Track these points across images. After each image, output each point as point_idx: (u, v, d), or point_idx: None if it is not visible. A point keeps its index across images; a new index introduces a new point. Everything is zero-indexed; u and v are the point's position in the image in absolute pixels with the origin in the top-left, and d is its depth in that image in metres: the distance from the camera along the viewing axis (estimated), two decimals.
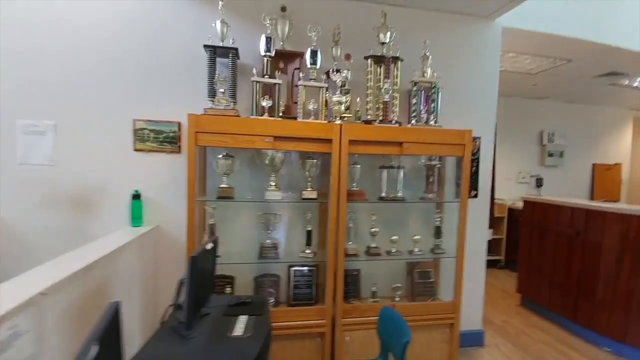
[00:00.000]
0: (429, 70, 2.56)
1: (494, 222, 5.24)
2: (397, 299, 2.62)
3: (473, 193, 2.90)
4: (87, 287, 1.53)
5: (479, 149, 2.88)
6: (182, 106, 2.38)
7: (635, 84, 4.62)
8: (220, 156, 2.31)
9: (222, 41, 2.26)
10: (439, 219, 2.66)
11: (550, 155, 5.69)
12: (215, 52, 2.27)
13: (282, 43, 2.45)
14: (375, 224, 2.58)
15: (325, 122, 2.32)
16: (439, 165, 2.66)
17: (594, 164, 6.02)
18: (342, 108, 2.31)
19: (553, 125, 5.71)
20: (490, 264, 5.24)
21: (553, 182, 5.68)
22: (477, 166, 2.90)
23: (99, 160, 2.38)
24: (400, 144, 2.35)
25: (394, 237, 2.60)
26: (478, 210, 2.93)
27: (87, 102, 2.34)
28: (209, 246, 1.68)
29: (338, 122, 2.30)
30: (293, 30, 2.44)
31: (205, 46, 2.24)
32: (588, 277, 3.09)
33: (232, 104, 2.28)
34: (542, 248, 3.61)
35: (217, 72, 2.27)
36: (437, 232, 2.67)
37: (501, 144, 5.58)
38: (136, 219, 2.37)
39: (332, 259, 2.32)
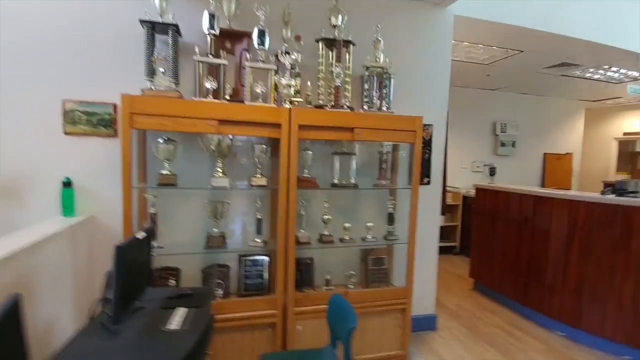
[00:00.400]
0: (381, 56, 2.53)
1: (448, 210, 5.40)
2: (350, 286, 2.60)
3: (425, 180, 2.93)
4: (3, 280, 1.36)
5: (431, 137, 2.90)
6: (118, 86, 2.18)
7: (588, 75, 4.83)
8: (161, 140, 2.16)
9: (161, 17, 2.11)
10: (392, 206, 2.66)
11: (503, 145, 5.92)
12: (153, 28, 2.10)
13: (228, 22, 2.32)
14: (328, 211, 2.53)
15: (275, 106, 2.22)
16: (391, 152, 2.65)
17: (545, 154, 6.34)
18: (292, 92, 2.23)
19: (506, 115, 5.94)
20: (446, 250, 5.43)
21: (506, 171, 5.92)
22: (430, 153, 2.92)
23: (25, 144, 2.15)
24: (352, 129, 2.30)
25: (347, 224, 2.57)
26: (430, 197, 2.96)
27: (10, 80, 2.10)
28: (141, 235, 1.56)
29: (287, 106, 2.21)
30: (240, 8, 2.31)
31: (142, 21, 2.07)
32: (537, 262, 3.23)
33: (173, 84, 2.13)
34: (493, 234, 3.74)
35: (155, 50, 2.12)
36: (390, 219, 2.67)
37: (457, 134, 5.74)
38: (67, 208, 2.17)
39: (282, 247, 2.25)
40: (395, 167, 2.73)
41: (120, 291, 1.37)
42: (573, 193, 3.11)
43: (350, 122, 2.30)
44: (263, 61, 2.25)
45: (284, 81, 2.20)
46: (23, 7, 2.09)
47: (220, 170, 2.28)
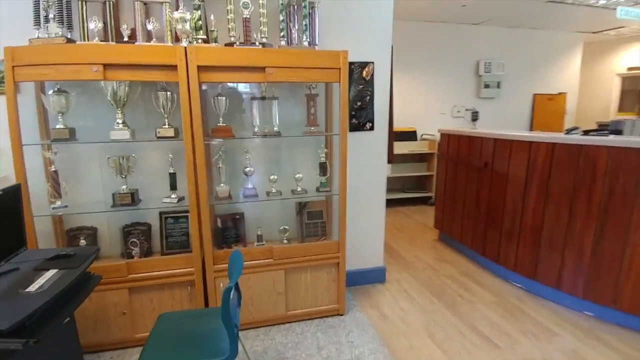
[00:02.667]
0: None
1: (405, 159, 5.18)
2: (285, 241, 2.48)
3: (367, 125, 2.67)
4: None
5: (372, 76, 2.60)
6: (16, 39, 1.95)
7: (588, 3, 4.24)
8: (51, 92, 1.95)
9: None
10: (324, 155, 2.45)
11: (487, 86, 5.47)
12: None
13: None
14: (251, 163, 2.34)
15: (168, 45, 1.96)
16: (322, 95, 2.39)
17: (534, 95, 5.87)
18: (187, 27, 1.94)
19: (490, 53, 5.42)
20: (421, 201, 5.25)
21: (490, 115, 5.54)
22: (371, 95, 2.64)
23: None
24: (264, 69, 2.04)
25: (273, 177, 2.38)
26: (374, 144, 2.72)
27: None
28: None
29: (184, 44, 1.95)
30: None
31: None
32: (495, 209, 3.03)
33: (60, 30, 1.88)
34: (455, 182, 3.52)
35: None
36: (323, 169, 2.46)
37: (434, 76, 5.35)
38: None
39: (193, 203, 2.09)
40: (329, 111, 2.47)
41: None
42: (534, 134, 2.81)
43: (261, 61, 2.03)
44: None
45: (176, 14, 1.91)
46: None
47: (121, 122, 2.08)
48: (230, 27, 2.12)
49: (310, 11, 2.24)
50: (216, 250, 2.23)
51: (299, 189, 2.43)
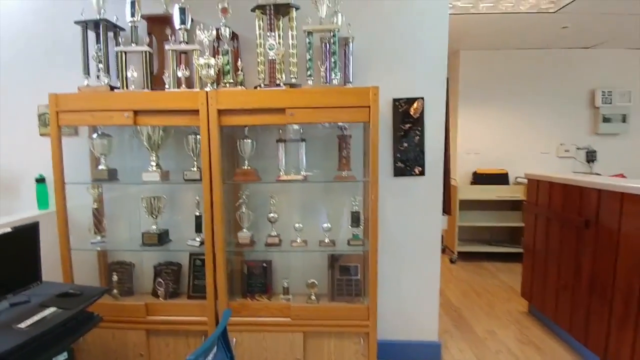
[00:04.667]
0: (338, 18, 2.04)
1: (493, 205, 4.34)
2: (312, 297, 2.20)
3: (417, 170, 2.29)
4: None
5: (422, 114, 2.25)
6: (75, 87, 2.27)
7: None
8: (95, 136, 2.15)
9: (99, 14, 2.08)
10: (357, 203, 2.15)
11: (607, 120, 4.36)
12: (87, 26, 2.10)
13: (165, 6, 2.18)
14: (276, 209, 2.18)
15: (191, 90, 1.99)
16: (350, 135, 2.14)
17: None
18: (212, 72, 1.95)
19: (610, 81, 4.35)
20: (513, 258, 4.32)
21: (613, 156, 4.37)
22: (421, 135, 2.27)
23: (13, 146, 2.44)
24: (284, 110, 1.91)
25: (298, 225, 2.17)
26: (426, 192, 2.31)
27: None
28: (2, 231, 1.53)
29: (209, 89, 1.95)
30: None
31: (76, 22, 2.07)
32: (602, 285, 2.23)
33: (106, 79, 2.10)
34: (548, 240, 2.75)
35: (97, 47, 2.10)
36: (355, 219, 2.16)
37: (534, 109, 4.51)
38: (41, 202, 2.36)
39: (208, 249, 2.01)
40: (367, 154, 2.19)
41: None
42: None
43: (282, 102, 1.91)
44: (187, 42, 2.04)
45: (201, 61, 1.94)
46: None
47: (154, 164, 2.17)
48: (259, 69, 2.08)
49: (344, 48, 2.07)
50: (231, 301, 2.09)
51: (326, 240, 2.17)
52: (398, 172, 2.30)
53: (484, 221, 4.39)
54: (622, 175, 4.13)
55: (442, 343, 2.47)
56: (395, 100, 2.25)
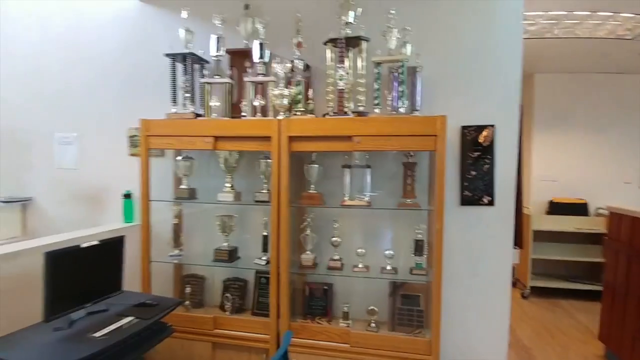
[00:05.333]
0: (407, 48, 2.09)
1: (570, 237, 3.93)
2: (372, 324, 2.18)
3: (485, 200, 2.20)
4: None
5: (492, 142, 2.17)
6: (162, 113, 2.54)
7: None
8: (179, 158, 2.38)
9: (186, 47, 2.34)
10: (421, 231, 2.11)
11: None
12: (176, 59, 2.37)
13: (245, 41, 2.39)
14: (339, 233, 2.22)
15: (265, 118, 2.13)
16: (421, 163, 2.13)
17: None
18: (285, 102, 2.08)
19: None
20: (591, 296, 3.87)
21: None
22: (491, 164, 2.18)
23: (106, 164, 2.77)
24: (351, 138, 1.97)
25: (360, 250, 2.18)
26: (494, 223, 2.20)
27: (96, 114, 2.76)
28: (85, 245, 1.71)
29: (281, 117, 2.08)
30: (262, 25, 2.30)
31: (166, 55, 2.35)
32: None
33: (192, 107, 2.34)
34: (629, 281, 2.45)
35: (184, 77, 2.35)
36: (419, 248, 2.11)
37: (614, 135, 4.11)
38: (127, 215, 2.64)
39: (273, 268, 2.10)
40: (432, 181, 2.16)
41: (50, 292, 1.52)
42: None
43: (349, 130, 1.97)
44: (264, 74, 2.21)
45: (276, 91, 2.08)
46: (100, 60, 2.72)
47: (229, 185, 2.33)
48: (328, 98, 2.17)
49: (412, 77, 2.10)
50: (292, 322, 2.14)
51: (388, 267, 2.15)
52: (465, 201, 2.23)
53: (560, 254, 4.03)
54: None
55: None
56: (463, 127, 2.21)
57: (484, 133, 2.18)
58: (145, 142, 2.25)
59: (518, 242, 2.25)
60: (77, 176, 2.83)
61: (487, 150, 2.19)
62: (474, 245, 2.23)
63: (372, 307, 2.19)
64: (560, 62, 3.86)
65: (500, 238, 2.21)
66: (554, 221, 4.00)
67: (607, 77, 4.10)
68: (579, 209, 4.06)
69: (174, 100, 2.36)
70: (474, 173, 2.22)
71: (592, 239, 4.03)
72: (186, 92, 2.33)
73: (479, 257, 2.23)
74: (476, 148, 2.21)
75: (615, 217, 2.65)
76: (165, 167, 2.53)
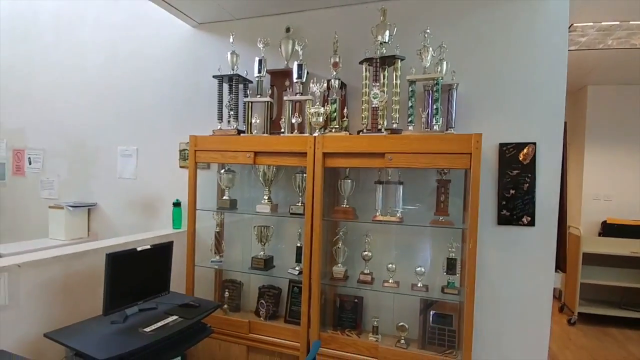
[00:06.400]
0: (443, 65, 2.11)
1: (625, 262, 3.59)
2: (402, 341, 2.18)
3: (525, 220, 2.12)
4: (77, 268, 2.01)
5: (533, 159, 2.10)
6: (209, 129, 2.75)
7: None
8: (223, 171, 2.56)
9: (232, 70, 2.54)
10: (454, 250, 2.08)
11: None
12: (223, 80, 2.57)
13: (286, 62, 2.54)
14: (371, 247, 2.25)
15: (302, 135, 2.24)
16: (455, 180, 2.11)
17: None
18: (321, 119, 2.18)
19: None
20: None
21: None
22: (532, 182, 2.11)
23: (159, 175, 3.04)
24: (383, 155, 2.02)
25: (391, 265, 2.20)
26: (534, 244, 2.11)
27: (152, 130, 3.05)
28: (140, 248, 1.90)
29: (316, 134, 2.18)
30: (301, 47, 2.44)
31: (214, 76, 2.56)
32: None
33: (235, 123, 2.52)
34: None
35: (229, 97, 2.54)
36: (451, 266, 2.09)
37: None
38: (176, 222, 2.87)
39: (305, 278, 2.18)
40: (466, 199, 2.13)
41: (109, 289, 1.72)
42: None
43: (381, 147, 2.02)
44: (301, 93, 2.33)
45: (312, 110, 2.19)
46: (154, 77, 3.01)
47: (267, 197, 2.46)
48: (363, 115, 2.24)
49: (447, 94, 2.11)
50: (322, 332, 2.20)
51: (419, 285, 2.14)
52: (503, 221, 2.17)
53: (613, 279, 3.71)
54: None
55: None
56: (502, 145, 2.16)
57: (525, 151, 2.12)
58: (193, 156, 2.45)
59: (561, 265, 2.13)
60: (135, 185, 3.13)
61: (528, 169, 2.12)
62: (512, 267, 2.15)
63: (402, 324, 2.19)
64: (615, 73, 3.60)
65: (540, 260, 2.11)
66: (607, 243, 3.70)
67: None
68: (635, 231, 3.72)
69: (220, 118, 2.56)
70: (512, 192, 2.16)
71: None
72: (230, 109, 2.52)
73: (517, 279, 2.15)
74: (515, 166, 2.15)
75: None
76: (210, 179, 2.72)
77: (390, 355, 2.04)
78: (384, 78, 2.18)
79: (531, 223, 2.12)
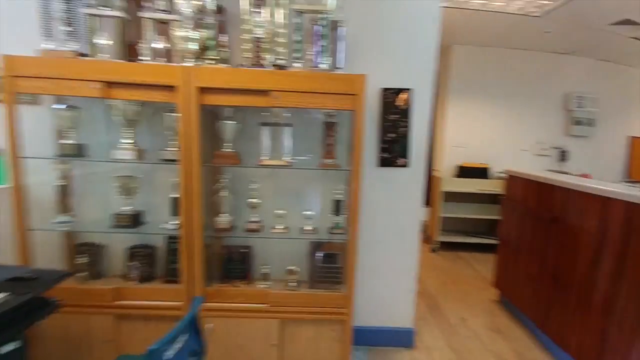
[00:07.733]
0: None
1: (473, 198, 4.50)
2: (291, 284, 2.18)
3: (400, 161, 2.28)
4: None
5: (409, 105, 2.22)
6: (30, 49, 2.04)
7: None
8: (60, 106, 1.98)
9: None
10: (341, 192, 2.12)
11: (578, 123, 4.55)
12: None
13: None
14: (258, 194, 2.12)
15: (169, 64, 1.86)
16: (335, 122, 2.09)
17: (632, 137, 4.77)
18: (193, 47, 1.83)
19: (581, 87, 4.53)
20: (489, 249, 4.48)
21: (581, 156, 4.60)
22: (407, 127, 2.25)
23: None
24: (269, 93, 1.83)
25: (279, 211, 2.13)
26: (408, 183, 2.31)
27: None
28: None
29: (188, 64, 1.83)
30: None
31: None
32: (563, 277, 2.35)
33: (75, 45, 1.92)
34: (520, 234, 2.86)
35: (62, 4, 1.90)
36: (337, 208, 2.13)
37: (516, 107, 4.62)
38: None
39: (183, 232, 1.93)
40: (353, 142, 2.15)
41: None
42: (608, 187, 2.11)
43: (267, 84, 1.82)
44: (167, 11, 1.89)
45: (180, 33, 1.81)
46: None
47: (128, 141, 2.03)
48: (244, 47, 1.97)
49: (334, 32, 1.99)
50: (208, 287, 2.03)
51: (308, 228, 2.14)
52: (383, 163, 2.28)
53: (466, 213, 4.51)
54: (588, 175, 4.33)
55: (417, 329, 2.54)
56: (384, 89, 2.21)
57: (402, 96, 2.21)
58: (10, 85, 1.80)
59: (427, 201, 2.40)
60: None
61: (405, 114, 2.24)
62: (389, 204, 2.33)
63: (290, 267, 2.18)
64: (476, 35, 4.09)
65: (413, 197, 2.33)
66: (461, 183, 4.41)
67: (516, 52, 4.50)
68: (481, 172, 4.55)
69: (49, 34, 1.92)
70: (392, 135, 2.27)
71: (492, 199, 4.58)
72: (68, 24, 1.90)
73: (393, 215, 2.34)
74: (395, 111, 2.24)
75: (511, 180, 3.00)
76: (44, 119, 2.10)
77: (280, 298, 2.02)
78: (268, 7, 1.92)
79: (406, 164, 2.29)
